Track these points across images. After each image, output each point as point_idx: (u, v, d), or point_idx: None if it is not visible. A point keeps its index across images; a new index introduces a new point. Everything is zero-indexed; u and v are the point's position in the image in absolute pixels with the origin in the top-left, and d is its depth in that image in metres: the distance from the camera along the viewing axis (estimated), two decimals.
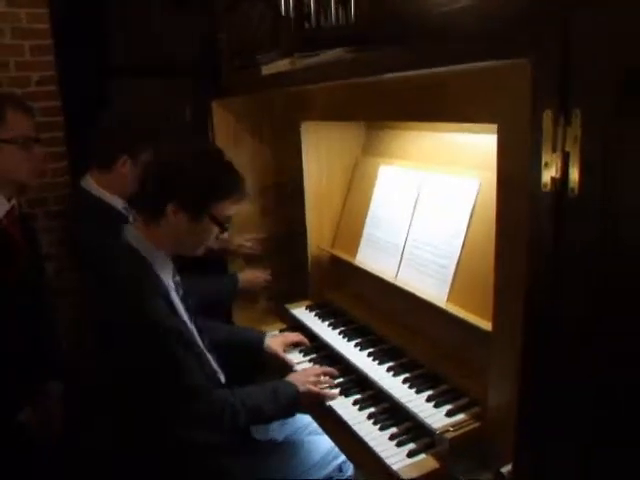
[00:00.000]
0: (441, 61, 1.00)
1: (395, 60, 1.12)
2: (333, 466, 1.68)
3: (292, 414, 1.57)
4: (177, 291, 1.52)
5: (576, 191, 0.73)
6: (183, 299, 1.53)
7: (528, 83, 0.80)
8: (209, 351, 1.58)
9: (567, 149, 0.73)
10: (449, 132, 1.62)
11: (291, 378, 1.58)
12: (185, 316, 1.51)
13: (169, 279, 1.50)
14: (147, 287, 1.40)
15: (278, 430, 1.71)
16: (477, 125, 1.44)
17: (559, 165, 0.74)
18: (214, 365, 1.57)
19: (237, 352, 1.83)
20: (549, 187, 0.76)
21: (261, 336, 1.84)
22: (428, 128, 1.71)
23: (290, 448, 1.65)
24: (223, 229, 1.48)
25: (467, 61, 0.94)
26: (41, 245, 2.16)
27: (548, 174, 0.76)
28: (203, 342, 1.57)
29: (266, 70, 1.73)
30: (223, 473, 1.49)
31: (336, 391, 1.56)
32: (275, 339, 1.83)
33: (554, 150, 0.74)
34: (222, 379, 1.58)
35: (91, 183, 2.02)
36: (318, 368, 1.66)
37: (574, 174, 0.73)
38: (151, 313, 1.36)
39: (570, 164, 0.73)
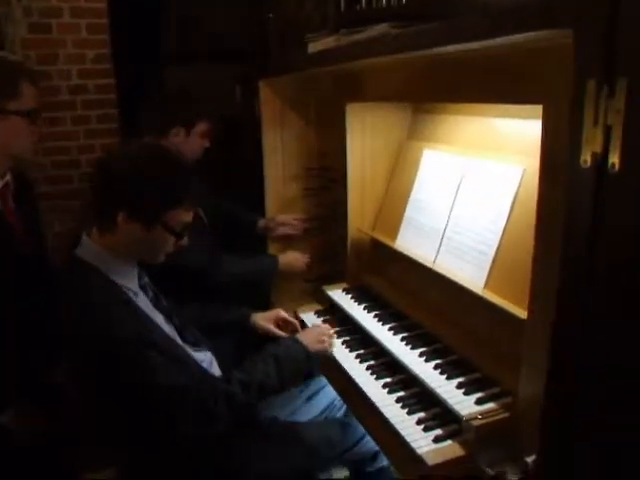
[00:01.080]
0: (485, 33, 0.96)
1: (440, 33, 1.09)
2: (362, 450, 1.68)
3: (304, 377, 1.58)
4: (146, 293, 1.49)
5: (617, 167, 0.69)
6: (154, 300, 1.51)
7: (572, 63, 0.76)
8: (195, 344, 1.57)
9: (609, 122, 0.69)
10: (494, 117, 1.58)
11: (301, 338, 1.59)
12: (159, 318, 1.48)
13: (132, 284, 1.44)
14: (97, 298, 1.33)
15: (301, 411, 1.72)
16: (522, 110, 1.40)
17: (600, 139, 0.70)
18: (203, 357, 1.55)
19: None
20: (589, 163, 0.72)
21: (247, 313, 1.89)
22: (473, 113, 1.67)
23: (312, 428, 1.66)
24: (179, 238, 1.41)
25: (511, 32, 0.91)
26: (41, 225, 2.03)
27: (588, 149, 0.72)
28: (185, 339, 1.54)
29: (312, 48, 1.72)
30: (236, 462, 1.49)
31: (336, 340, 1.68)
32: (263, 314, 1.87)
33: (595, 123, 0.70)
34: (215, 371, 1.57)
35: None
36: (327, 326, 1.73)
37: (616, 149, 0.69)
38: (104, 326, 1.28)
39: (612, 138, 0.69)
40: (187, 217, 1.41)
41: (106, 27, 2.80)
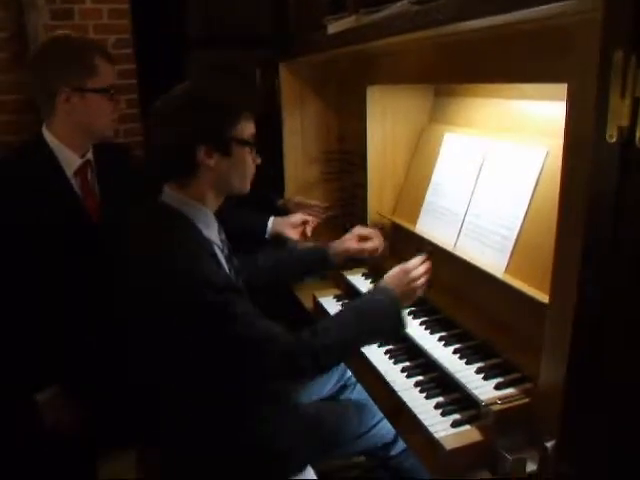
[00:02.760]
0: (510, 5, 0.93)
1: (460, 8, 1.06)
2: (380, 433, 1.67)
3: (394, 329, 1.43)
4: (222, 250, 1.46)
5: None
6: (228, 259, 1.48)
7: (598, 42, 0.73)
8: None
9: (638, 94, 0.66)
10: (516, 99, 1.55)
11: (389, 283, 1.46)
12: (232, 277, 1.46)
13: (215, 237, 1.44)
14: (194, 247, 1.30)
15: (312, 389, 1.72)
16: (545, 90, 1.37)
17: (627, 112, 0.67)
18: None
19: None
20: (615, 138, 0.70)
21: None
22: (495, 95, 1.64)
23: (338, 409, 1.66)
24: (254, 147, 1.41)
25: (536, 4, 0.87)
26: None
27: (615, 123, 0.69)
28: None
29: (332, 29, 1.70)
30: (274, 444, 1.46)
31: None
32: (339, 241, 1.82)
33: (622, 96, 0.68)
34: None
35: None
36: (417, 264, 1.50)
37: None
38: (200, 272, 1.25)
39: None
40: (252, 126, 1.41)
41: (127, 12, 2.80)
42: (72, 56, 1.63)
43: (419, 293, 1.49)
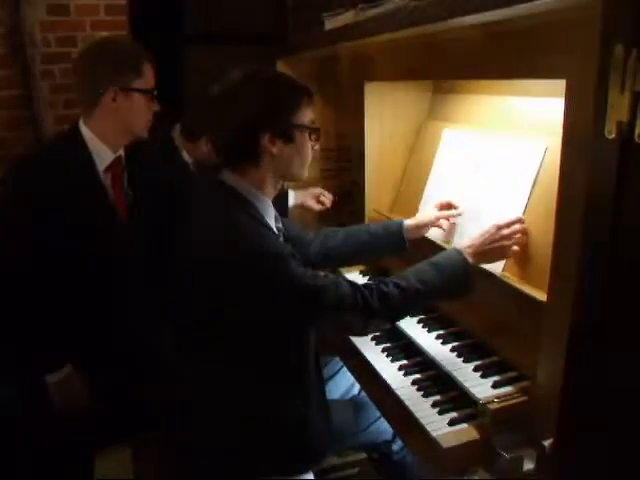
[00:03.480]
0: (503, 0, 0.92)
1: (459, 2, 1.05)
2: (379, 430, 1.66)
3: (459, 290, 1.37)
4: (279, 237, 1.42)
5: None
6: None
7: (598, 37, 0.73)
8: None
9: (637, 88, 0.65)
10: (514, 96, 1.54)
11: (466, 248, 1.38)
12: None
13: (273, 225, 1.39)
14: (253, 228, 1.26)
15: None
16: (543, 87, 1.36)
17: (626, 107, 0.66)
18: None
19: None
20: (614, 133, 0.69)
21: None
22: (493, 92, 1.63)
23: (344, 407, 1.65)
24: (314, 131, 1.37)
25: None
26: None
27: (613, 118, 0.68)
28: None
29: (329, 25, 1.69)
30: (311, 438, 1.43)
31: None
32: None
33: (622, 90, 0.67)
34: None
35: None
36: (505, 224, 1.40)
37: None
38: (269, 245, 1.24)
39: (639, 106, 0.65)
40: (311, 112, 1.38)
41: (125, 8, 2.79)
42: (123, 57, 1.69)
43: (507, 254, 1.41)
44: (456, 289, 1.36)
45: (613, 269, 0.74)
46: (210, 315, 1.32)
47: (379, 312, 1.29)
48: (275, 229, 1.39)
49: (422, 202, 1.83)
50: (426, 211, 1.72)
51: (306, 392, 1.41)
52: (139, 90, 1.71)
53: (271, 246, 1.25)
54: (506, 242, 1.39)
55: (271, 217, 1.39)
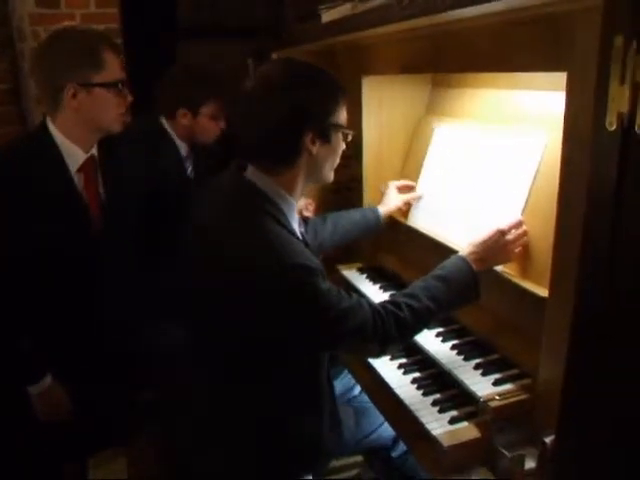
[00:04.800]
0: None
1: None
2: (382, 436, 1.64)
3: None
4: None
5: None
6: None
7: (598, 31, 0.71)
8: None
9: (638, 79, 0.63)
10: (514, 89, 1.52)
11: (470, 255, 1.34)
12: None
13: (297, 231, 1.31)
14: (276, 232, 1.18)
15: None
16: (544, 80, 1.34)
17: (627, 98, 0.64)
18: None
19: None
20: (615, 125, 0.67)
21: None
22: (493, 85, 1.61)
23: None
24: (347, 129, 1.30)
25: None
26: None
27: (614, 110, 0.66)
28: None
29: (326, 17, 1.67)
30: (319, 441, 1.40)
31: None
32: (384, 202, 1.86)
33: (622, 82, 0.65)
34: None
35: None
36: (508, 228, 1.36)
37: None
38: (291, 255, 1.14)
39: None
40: (345, 112, 1.31)
41: (116, 0, 2.72)
42: (78, 50, 1.55)
43: (512, 258, 1.37)
44: (466, 299, 1.33)
45: (615, 262, 0.72)
46: (226, 325, 1.26)
47: (396, 339, 1.25)
48: (299, 234, 1.33)
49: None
50: (391, 197, 1.84)
51: (319, 408, 1.38)
52: (101, 85, 1.58)
53: (301, 257, 1.16)
54: (510, 247, 1.36)
55: (296, 221, 1.32)
